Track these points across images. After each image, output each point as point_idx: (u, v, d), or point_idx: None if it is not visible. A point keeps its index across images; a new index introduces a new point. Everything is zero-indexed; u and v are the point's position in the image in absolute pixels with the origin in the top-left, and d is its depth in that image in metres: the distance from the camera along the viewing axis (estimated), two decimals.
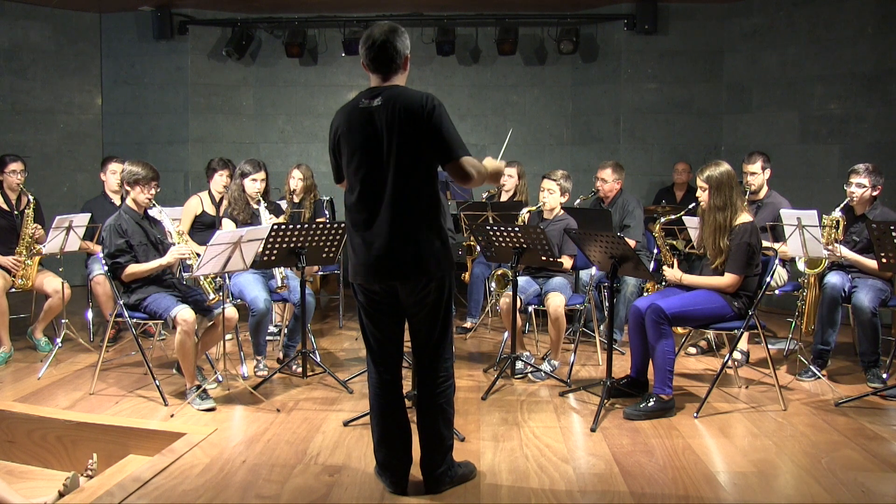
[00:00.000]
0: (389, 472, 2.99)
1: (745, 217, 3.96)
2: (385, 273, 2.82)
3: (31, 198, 5.05)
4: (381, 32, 2.79)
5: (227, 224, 4.64)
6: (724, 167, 3.99)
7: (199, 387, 4.02)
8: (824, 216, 4.48)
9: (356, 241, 2.87)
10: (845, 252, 4.42)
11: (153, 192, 4.23)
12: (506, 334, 4.77)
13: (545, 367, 4.55)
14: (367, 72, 2.88)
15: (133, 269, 4.10)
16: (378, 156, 2.77)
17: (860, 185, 4.48)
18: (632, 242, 5.36)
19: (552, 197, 4.73)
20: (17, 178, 5.02)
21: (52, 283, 4.91)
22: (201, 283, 4.13)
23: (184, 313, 3.93)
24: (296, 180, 5.75)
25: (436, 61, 7.66)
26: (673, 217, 4.61)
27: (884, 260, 3.83)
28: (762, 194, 5.11)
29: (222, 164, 5.51)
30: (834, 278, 4.48)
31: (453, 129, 2.77)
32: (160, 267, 4.13)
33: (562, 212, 4.82)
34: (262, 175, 4.67)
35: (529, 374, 4.49)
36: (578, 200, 5.71)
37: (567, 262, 4.62)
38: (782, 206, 4.88)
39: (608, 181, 5.47)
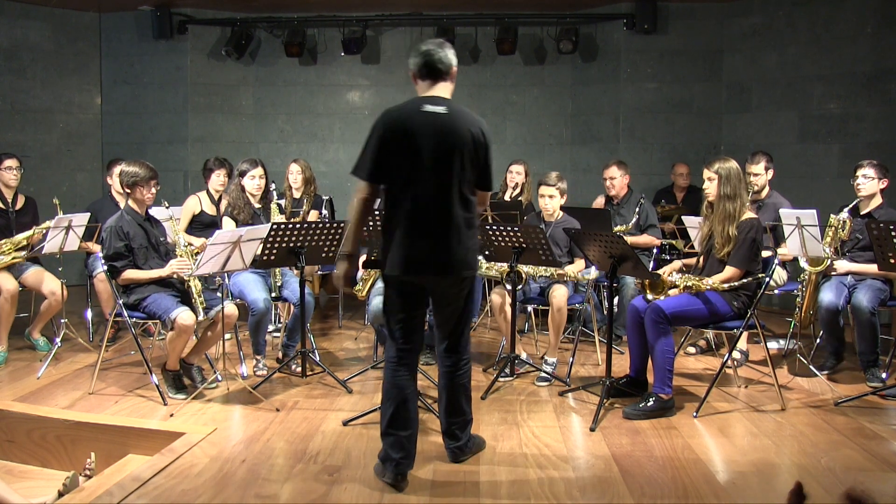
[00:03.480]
0: (397, 454, 3.03)
1: (749, 214, 3.98)
2: (433, 268, 3.01)
3: (24, 198, 5.03)
4: (433, 46, 3.04)
5: (228, 223, 4.63)
6: (733, 163, 4.05)
7: (178, 376, 4.14)
8: (831, 216, 4.47)
9: (407, 237, 2.98)
10: (845, 266, 4.44)
11: (154, 190, 4.24)
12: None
13: (545, 367, 4.55)
14: (415, 80, 3.09)
15: (130, 274, 4.10)
16: (441, 159, 2.96)
17: (866, 177, 4.49)
18: (657, 241, 5.48)
19: (553, 202, 4.72)
20: (12, 174, 5.01)
21: (49, 283, 4.90)
22: (193, 298, 4.11)
23: (183, 316, 3.93)
24: (294, 175, 5.76)
25: None
26: (686, 252, 4.58)
27: (892, 260, 3.83)
28: (764, 194, 5.12)
29: (219, 164, 5.53)
30: (828, 295, 4.45)
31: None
32: (157, 277, 4.13)
33: (562, 213, 4.82)
34: (259, 171, 4.67)
35: (535, 382, 4.45)
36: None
37: (579, 263, 4.63)
38: (783, 207, 4.88)
39: (617, 177, 5.57)
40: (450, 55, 3.03)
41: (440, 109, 2.97)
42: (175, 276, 4.13)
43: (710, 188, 4.05)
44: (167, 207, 4.32)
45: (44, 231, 4.83)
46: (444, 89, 3.05)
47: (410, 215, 2.97)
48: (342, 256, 3.11)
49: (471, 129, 2.99)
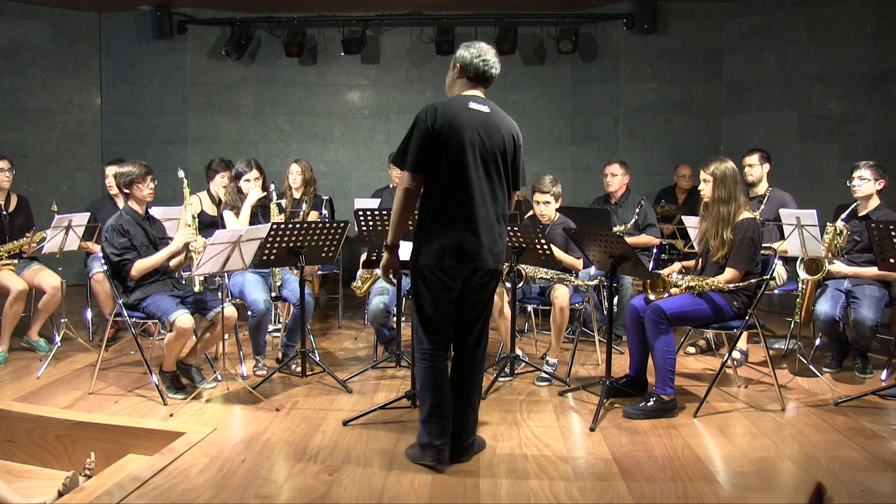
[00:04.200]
0: (439, 441, 3.14)
1: (746, 213, 3.97)
2: (476, 259, 3.09)
3: (17, 198, 5.02)
4: (495, 55, 3.20)
5: (229, 216, 4.64)
6: (730, 163, 4.03)
7: (176, 376, 4.15)
8: (828, 224, 4.46)
9: (453, 228, 3.07)
10: (843, 269, 4.45)
11: (152, 185, 4.26)
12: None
13: (545, 367, 4.55)
14: (459, 76, 3.22)
15: (141, 263, 4.12)
16: (485, 156, 3.10)
17: (862, 178, 4.49)
18: (656, 241, 5.49)
19: (549, 208, 4.69)
20: (4, 176, 5.00)
21: (49, 279, 4.90)
22: (192, 259, 4.21)
23: (182, 319, 3.93)
24: (294, 175, 5.76)
25: (435, 61, 7.65)
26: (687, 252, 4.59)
27: (892, 261, 3.82)
28: (762, 189, 5.14)
29: (223, 166, 5.52)
30: (824, 306, 4.44)
31: None
32: (169, 255, 4.17)
33: (558, 215, 4.80)
34: (255, 174, 4.66)
35: (535, 382, 4.45)
36: None
37: (578, 263, 4.62)
38: (784, 200, 4.89)
39: (618, 175, 5.62)
40: (499, 67, 3.23)
41: (484, 108, 3.14)
42: (185, 246, 4.22)
43: (706, 189, 4.05)
44: (182, 177, 4.42)
45: (38, 241, 4.84)
46: (482, 92, 3.23)
47: (461, 207, 3.06)
48: (386, 247, 3.22)
49: (510, 130, 3.19)
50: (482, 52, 3.17)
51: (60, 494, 3.06)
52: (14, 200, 5.13)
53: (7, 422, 3.75)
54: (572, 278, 4.56)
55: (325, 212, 5.87)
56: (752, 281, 3.95)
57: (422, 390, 3.21)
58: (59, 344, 4.84)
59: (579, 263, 4.63)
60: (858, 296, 4.41)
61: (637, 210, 5.43)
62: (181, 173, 4.44)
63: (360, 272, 5.00)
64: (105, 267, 4.18)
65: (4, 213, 5.03)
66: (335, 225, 4.34)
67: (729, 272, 3.93)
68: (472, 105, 3.11)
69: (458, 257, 3.07)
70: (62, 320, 4.89)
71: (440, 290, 3.14)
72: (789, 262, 4.83)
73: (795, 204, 5.02)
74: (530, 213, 4.91)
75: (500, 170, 3.14)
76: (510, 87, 7.82)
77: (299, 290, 4.35)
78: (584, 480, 3.08)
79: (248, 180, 4.64)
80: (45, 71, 7.59)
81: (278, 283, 4.63)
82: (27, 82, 7.51)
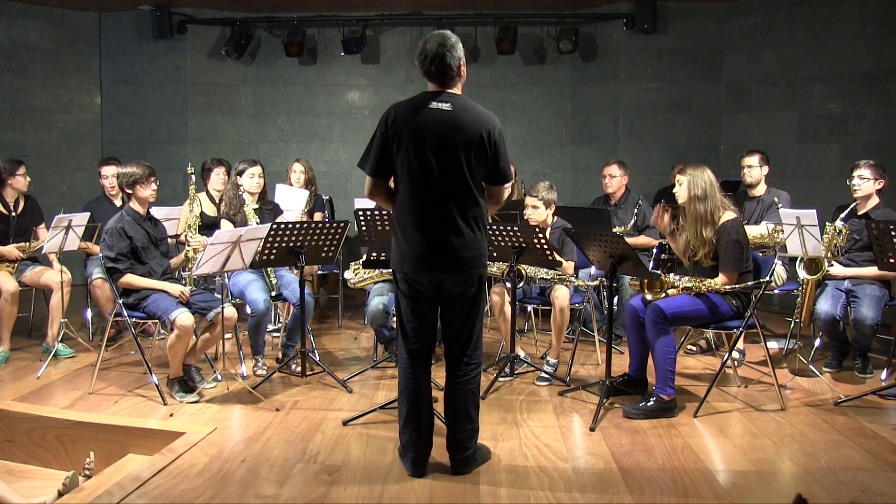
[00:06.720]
0: (412, 453, 3.12)
1: (729, 214, 3.95)
2: (439, 266, 2.98)
3: (24, 199, 5.01)
4: (433, 47, 2.97)
5: (226, 226, 4.64)
6: (707, 170, 4.00)
7: (183, 380, 4.13)
8: (827, 224, 4.46)
9: (411, 233, 2.99)
10: (842, 270, 4.45)
11: (154, 186, 4.27)
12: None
13: (546, 367, 4.55)
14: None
15: (130, 279, 4.12)
16: (446, 157, 2.94)
17: (862, 178, 4.50)
18: (655, 241, 5.48)
19: (537, 212, 4.64)
20: (24, 180, 5.05)
21: (50, 275, 4.92)
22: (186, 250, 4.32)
23: (182, 317, 3.94)
24: (297, 174, 5.77)
25: None
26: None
27: (892, 260, 3.82)
28: (760, 191, 5.14)
29: (216, 163, 5.55)
30: (825, 305, 4.43)
31: (507, 156, 3.07)
32: (158, 288, 4.15)
33: (555, 218, 4.78)
34: (258, 170, 4.69)
35: (535, 381, 4.45)
36: None
37: (569, 266, 4.60)
38: (781, 198, 4.90)
39: (616, 176, 5.63)
40: (455, 55, 3.00)
41: (445, 106, 2.96)
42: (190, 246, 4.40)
43: (680, 191, 4.03)
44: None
45: (40, 245, 4.86)
46: (454, 86, 3.05)
47: (417, 212, 2.97)
48: None
49: (479, 127, 2.96)
50: (420, 50, 3.00)
51: (60, 494, 3.06)
52: (22, 202, 5.14)
53: (7, 422, 3.75)
54: (573, 278, 4.55)
55: (325, 211, 5.87)
56: (749, 283, 3.95)
57: (399, 398, 3.18)
58: (59, 345, 4.82)
59: (570, 267, 4.61)
60: (859, 295, 4.41)
61: (636, 210, 5.42)
62: (190, 168, 4.52)
63: (354, 265, 4.87)
64: (104, 266, 4.17)
65: (13, 213, 5.04)
66: (335, 225, 4.35)
67: (722, 277, 3.92)
68: (433, 104, 2.96)
69: (416, 265, 2.98)
70: (62, 320, 4.89)
71: (412, 296, 3.07)
72: (789, 261, 4.84)
73: (790, 203, 5.02)
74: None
75: (467, 169, 2.95)
76: (510, 87, 7.82)
77: (299, 290, 4.35)
78: (584, 480, 3.08)
79: (252, 175, 4.65)
80: (45, 71, 7.59)
81: (273, 282, 4.62)
82: (27, 82, 7.51)
